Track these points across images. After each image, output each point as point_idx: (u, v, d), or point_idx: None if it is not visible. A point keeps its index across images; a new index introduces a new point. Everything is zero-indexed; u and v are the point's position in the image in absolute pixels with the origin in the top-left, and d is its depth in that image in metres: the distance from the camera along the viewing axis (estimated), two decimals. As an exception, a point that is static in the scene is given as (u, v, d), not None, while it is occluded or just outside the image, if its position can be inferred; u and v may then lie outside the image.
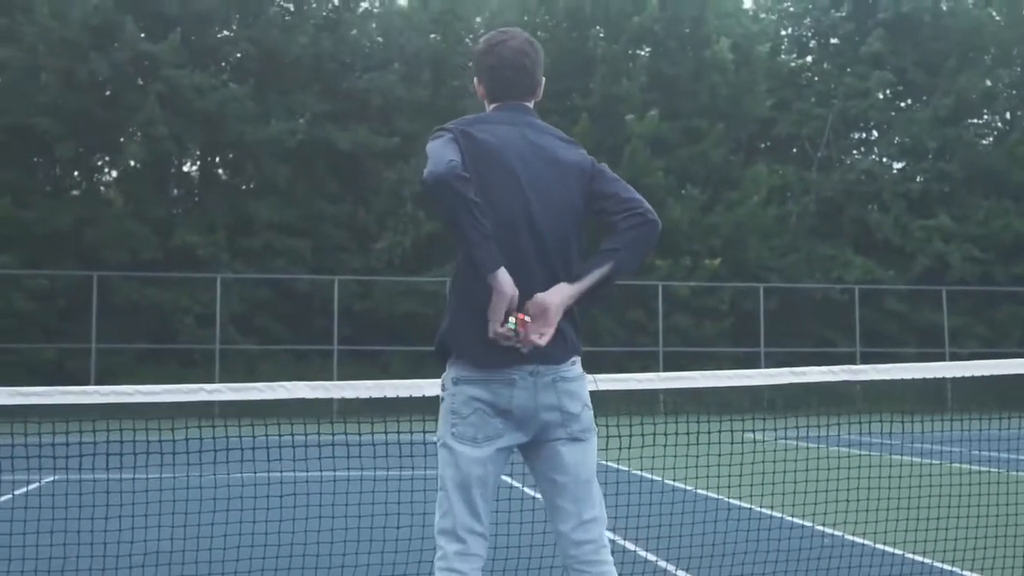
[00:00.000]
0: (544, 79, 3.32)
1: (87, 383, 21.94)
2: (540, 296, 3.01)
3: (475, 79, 3.33)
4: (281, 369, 23.83)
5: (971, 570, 5.94)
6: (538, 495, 3.25)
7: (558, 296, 3.03)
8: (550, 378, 3.09)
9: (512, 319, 2.95)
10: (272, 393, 5.34)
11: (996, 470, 10.66)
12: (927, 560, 6.23)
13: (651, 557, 6.35)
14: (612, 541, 3.26)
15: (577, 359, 3.19)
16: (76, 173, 28.50)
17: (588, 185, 3.17)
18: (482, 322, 3.00)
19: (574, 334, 3.17)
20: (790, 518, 7.71)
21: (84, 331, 23.83)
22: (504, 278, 2.93)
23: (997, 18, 34.09)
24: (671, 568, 6.09)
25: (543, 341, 2.99)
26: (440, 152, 2.93)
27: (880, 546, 6.68)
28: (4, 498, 9.28)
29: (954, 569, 6.00)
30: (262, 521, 6.17)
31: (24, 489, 9.69)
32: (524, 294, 3.00)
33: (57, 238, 25.00)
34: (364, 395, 5.42)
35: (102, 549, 5.65)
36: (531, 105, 3.28)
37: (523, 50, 3.22)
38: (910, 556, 6.36)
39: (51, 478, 9.52)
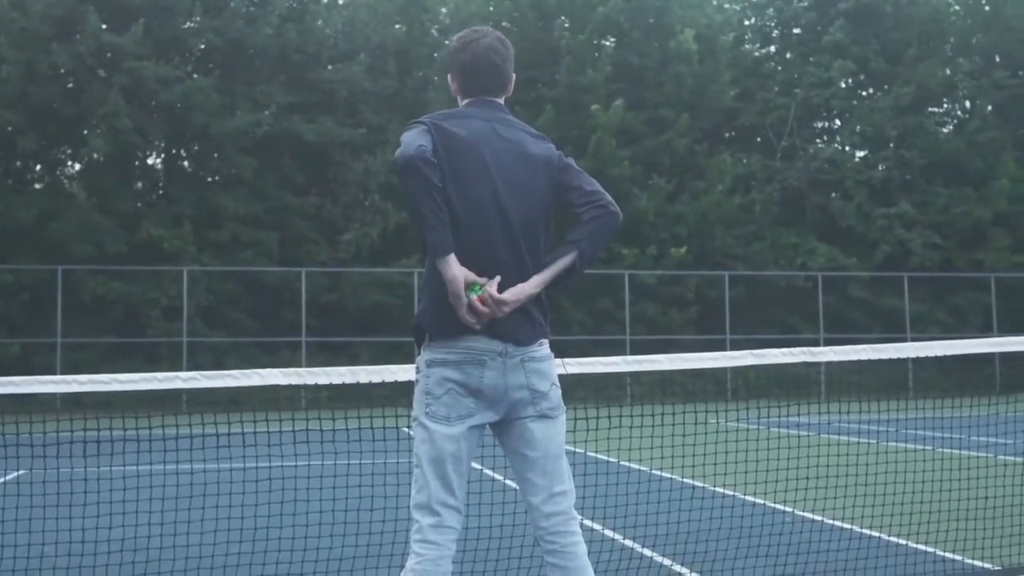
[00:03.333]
0: (515, 75, 3.48)
1: (54, 377, 21.77)
2: (511, 289, 3.17)
3: (449, 76, 3.50)
4: (249, 362, 23.81)
5: (924, 544, 6.15)
6: (501, 477, 3.39)
7: (528, 287, 3.21)
8: (519, 358, 3.24)
9: (476, 287, 3.09)
10: (247, 380, 5.35)
11: (951, 451, 10.93)
12: (877, 534, 6.44)
13: (616, 536, 6.52)
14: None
15: (545, 341, 3.36)
16: (38, 167, 28.24)
17: (555, 178, 3.35)
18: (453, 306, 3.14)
19: (542, 318, 3.34)
20: (749, 497, 7.91)
21: (49, 326, 23.69)
22: (453, 263, 3.09)
23: (957, 7, 34.59)
24: (637, 547, 6.26)
25: (506, 301, 3.14)
26: (412, 138, 3.11)
27: (831, 521, 6.90)
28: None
29: (908, 543, 6.21)
30: (238, 507, 6.26)
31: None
32: (493, 278, 3.14)
33: (20, 232, 24.77)
34: (337, 381, 5.46)
35: (76, 537, 5.73)
36: (502, 101, 3.45)
37: (495, 48, 3.38)
38: (858, 530, 6.58)
39: (16, 472, 9.55)
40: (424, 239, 3.11)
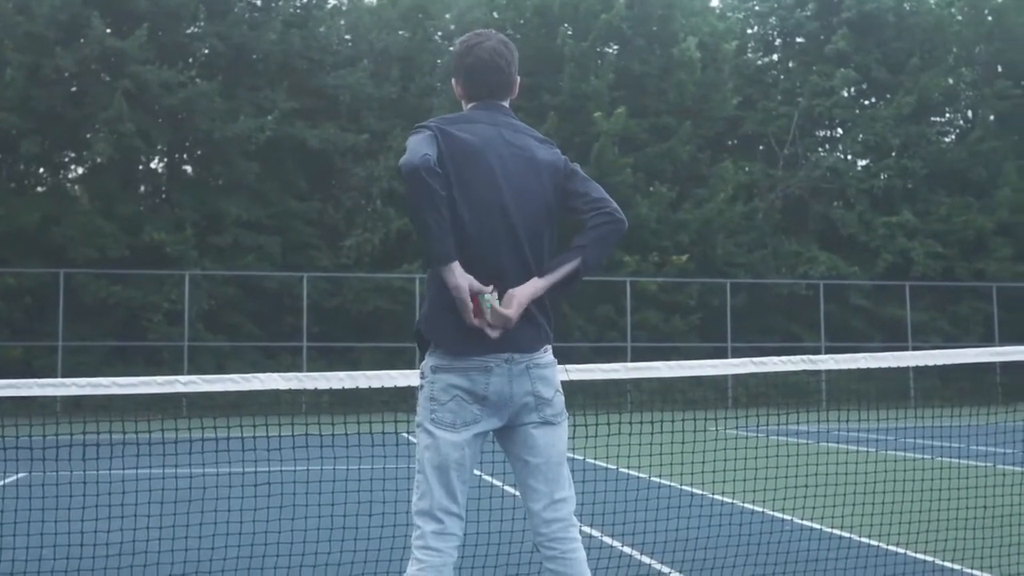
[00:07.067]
0: (519, 78, 3.47)
1: (54, 380, 21.78)
2: (512, 290, 3.16)
3: (453, 79, 3.49)
4: (250, 366, 23.84)
5: (923, 553, 6.14)
6: (500, 482, 3.38)
7: (529, 288, 3.20)
8: (524, 365, 3.24)
9: (487, 296, 3.09)
10: (247, 384, 5.34)
11: (952, 460, 10.91)
12: (876, 543, 6.43)
13: (615, 543, 6.51)
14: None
15: (549, 347, 3.35)
16: (42, 170, 28.30)
17: (561, 183, 3.34)
18: (457, 313, 3.14)
19: (547, 324, 3.33)
20: (748, 505, 7.90)
21: (51, 329, 23.72)
22: (457, 271, 3.09)
23: (959, 17, 34.63)
24: (636, 554, 6.25)
25: (511, 315, 3.14)
26: (418, 145, 3.09)
27: (830, 530, 6.90)
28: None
29: (907, 552, 6.20)
30: (237, 511, 6.26)
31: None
32: (497, 285, 3.15)
33: (23, 235, 24.82)
34: (337, 386, 5.45)
35: (75, 540, 5.72)
36: (507, 104, 3.43)
37: (498, 51, 3.37)
38: (857, 539, 6.57)
39: (15, 475, 9.55)
40: (426, 248, 3.11)
